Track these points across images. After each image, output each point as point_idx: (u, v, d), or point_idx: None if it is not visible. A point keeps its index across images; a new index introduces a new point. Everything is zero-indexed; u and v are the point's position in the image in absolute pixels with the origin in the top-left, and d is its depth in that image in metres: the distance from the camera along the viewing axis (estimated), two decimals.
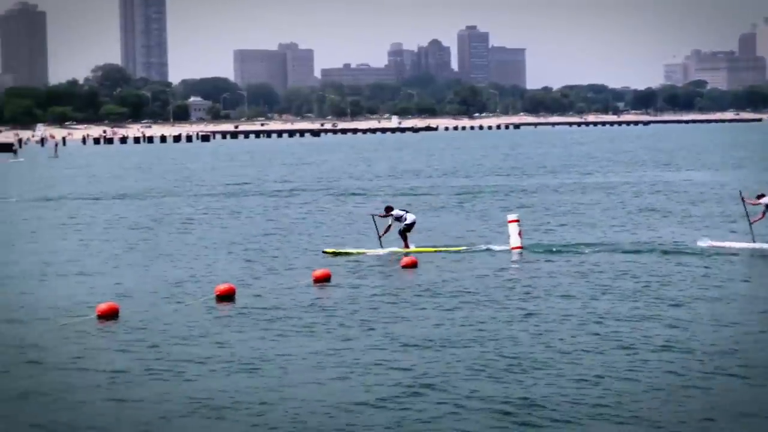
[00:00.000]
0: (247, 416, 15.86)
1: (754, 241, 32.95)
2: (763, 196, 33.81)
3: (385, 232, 34.29)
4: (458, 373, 18.01)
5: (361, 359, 19.18)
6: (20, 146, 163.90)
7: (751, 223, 33.44)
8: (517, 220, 33.65)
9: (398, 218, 34.08)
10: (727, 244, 33.44)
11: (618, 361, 18.50)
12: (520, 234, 33.34)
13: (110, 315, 23.65)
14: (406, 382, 17.42)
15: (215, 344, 20.77)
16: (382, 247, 33.94)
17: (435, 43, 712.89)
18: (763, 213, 33.45)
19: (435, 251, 33.58)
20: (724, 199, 50.72)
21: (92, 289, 27.97)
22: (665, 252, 32.34)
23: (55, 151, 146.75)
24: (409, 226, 34.03)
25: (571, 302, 24.34)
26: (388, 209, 34.59)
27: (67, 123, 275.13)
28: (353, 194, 61.39)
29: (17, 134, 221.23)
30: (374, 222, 35.07)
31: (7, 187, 75.10)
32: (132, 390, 17.45)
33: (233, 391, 17.23)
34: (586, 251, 32.88)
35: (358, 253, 33.72)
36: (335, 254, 33.61)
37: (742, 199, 34.61)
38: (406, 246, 33.85)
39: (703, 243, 33.47)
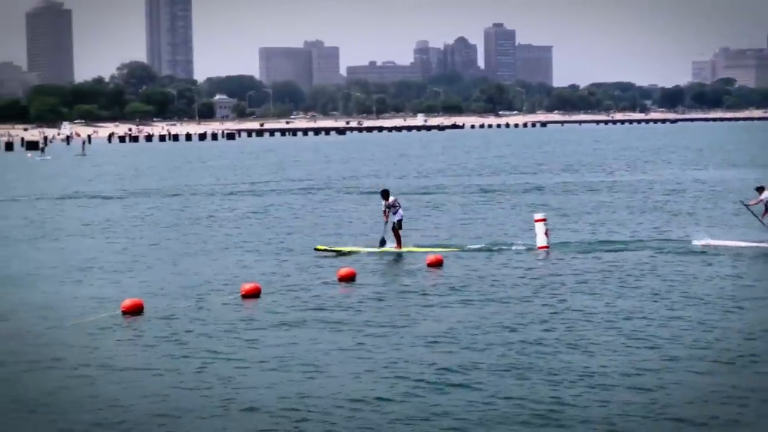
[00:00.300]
0: (274, 411, 15.84)
1: None
2: (762, 189, 33.59)
3: (387, 221, 33.82)
4: (484, 370, 17.94)
5: (386, 356, 19.14)
6: (46, 144, 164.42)
7: (762, 222, 33.27)
8: (544, 219, 33.51)
9: (392, 206, 33.52)
10: (724, 242, 33.22)
11: (646, 360, 18.40)
12: (546, 233, 33.20)
13: (135, 311, 23.70)
14: (432, 379, 17.38)
15: (241, 341, 20.78)
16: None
17: (461, 41, 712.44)
18: (766, 207, 33.25)
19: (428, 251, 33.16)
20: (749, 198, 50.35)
21: (117, 285, 28.04)
22: (692, 251, 32.18)
23: (83, 149, 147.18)
24: (400, 222, 33.57)
25: (598, 301, 24.25)
26: (385, 193, 34.09)
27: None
28: (376, 193, 61.23)
29: (43, 132, 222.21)
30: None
31: (38, 185, 75.39)
32: (157, 386, 17.45)
33: (260, 387, 17.22)
34: (613, 250, 32.76)
35: (350, 252, 33.61)
36: (327, 251, 33.57)
37: (746, 206, 34.68)
38: (399, 246, 33.50)
39: (699, 242, 33.34)
